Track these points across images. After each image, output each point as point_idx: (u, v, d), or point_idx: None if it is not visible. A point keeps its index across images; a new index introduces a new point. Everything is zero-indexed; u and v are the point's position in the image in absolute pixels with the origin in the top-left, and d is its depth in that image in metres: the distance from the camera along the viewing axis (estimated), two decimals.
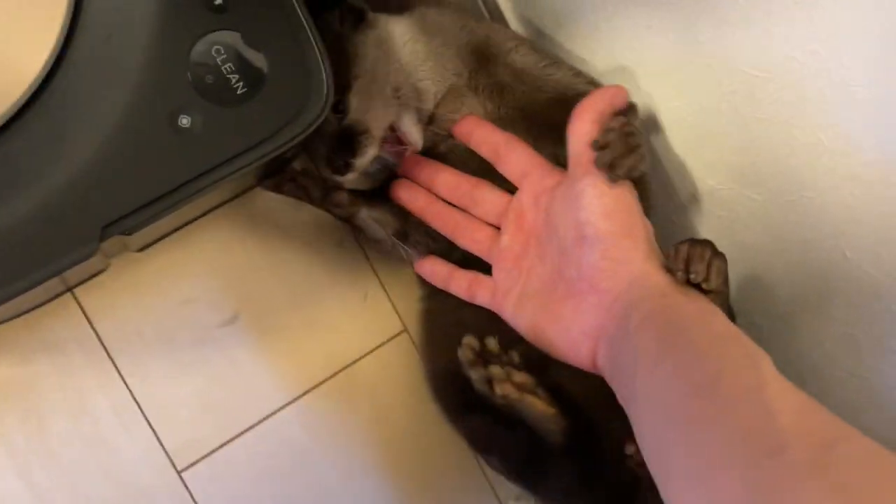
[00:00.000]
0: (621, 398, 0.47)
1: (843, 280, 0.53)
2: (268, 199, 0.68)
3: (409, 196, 0.61)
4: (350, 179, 0.57)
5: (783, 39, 0.47)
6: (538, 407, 0.54)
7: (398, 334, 0.72)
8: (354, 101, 0.56)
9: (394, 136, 0.58)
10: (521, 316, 0.55)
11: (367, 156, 0.56)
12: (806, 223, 0.53)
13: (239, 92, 0.48)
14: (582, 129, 0.51)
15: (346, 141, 0.55)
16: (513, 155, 0.57)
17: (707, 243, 0.51)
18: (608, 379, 0.49)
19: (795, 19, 0.45)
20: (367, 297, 0.71)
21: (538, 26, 0.66)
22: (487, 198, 0.58)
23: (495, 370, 0.54)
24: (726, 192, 0.58)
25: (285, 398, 0.69)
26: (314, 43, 0.48)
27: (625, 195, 0.50)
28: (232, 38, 0.47)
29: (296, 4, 0.48)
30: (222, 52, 0.47)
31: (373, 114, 0.56)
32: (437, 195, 0.61)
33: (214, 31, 0.47)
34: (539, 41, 0.65)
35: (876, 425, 0.47)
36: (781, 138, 0.51)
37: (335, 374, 0.70)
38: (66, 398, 0.64)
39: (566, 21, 0.63)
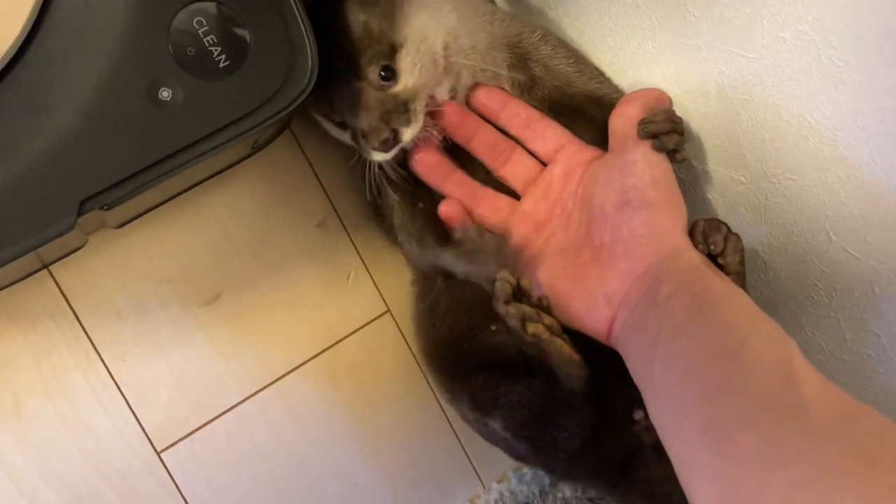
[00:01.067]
0: (635, 367, 0.47)
1: (828, 262, 0.53)
2: (251, 177, 0.67)
3: (430, 165, 0.59)
4: (392, 155, 0.55)
5: (773, 20, 0.46)
6: (565, 350, 0.52)
7: (381, 315, 0.72)
8: (406, 66, 0.53)
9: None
10: (534, 278, 0.56)
11: (419, 126, 0.54)
12: (790, 206, 0.53)
13: (221, 65, 0.47)
14: (630, 112, 0.54)
15: (400, 109, 0.53)
16: (548, 130, 0.58)
17: (722, 222, 0.54)
18: (621, 347, 0.50)
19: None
20: (350, 277, 0.70)
21: (527, 3, 0.65)
22: (522, 161, 0.59)
23: (527, 309, 0.53)
24: (712, 173, 0.58)
25: (267, 378, 0.68)
26: (299, 16, 0.47)
27: (670, 170, 0.53)
28: (214, 9, 0.46)
29: None
30: (204, 23, 0.46)
31: (421, 81, 0.54)
32: (471, 150, 0.59)
33: (197, 1, 0.46)
34: (527, 19, 0.64)
35: None
36: (768, 120, 0.51)
37: (317, 354, 0.70)
38: (41, 377, 0.63)
39: (555, 1, 0.63)
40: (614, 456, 0.58)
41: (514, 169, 0.59)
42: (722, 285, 0.47)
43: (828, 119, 0.47)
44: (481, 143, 0.59)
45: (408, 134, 0.54)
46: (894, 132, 0.44)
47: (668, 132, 0.53)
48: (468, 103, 0.59)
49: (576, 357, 0.53)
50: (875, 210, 0.48)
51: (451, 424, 0.74)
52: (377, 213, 0.65)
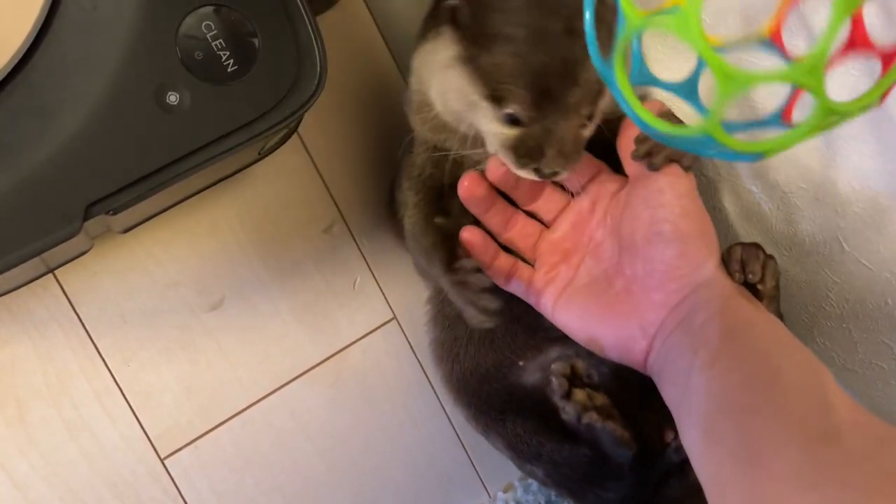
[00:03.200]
0: (670, 394, 0.47)
1: (840, 273, 0.53)
2: (258, 182, 0.67)
3: (477, 197, 0.57)
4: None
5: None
6: (617, 432, 0.55)
7: (387, 322, 0.71)
8: (597, 113, 0.52)
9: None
10: (566, 309, 0.55)
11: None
12: (802, 216, 0.53)
13: (229, 69, 0.46)
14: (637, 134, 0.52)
15: (579, 150, 0.52)
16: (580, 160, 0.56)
17: (758, 246, 0.52)
18: (656, 375, 0.50)
19: None
20: (356, 283, 0.70)
21: None
22: (553, 195, 0.58)
23: (580, 394, 0.55)
24: (724, 182, 0.57)
25: (272, 384, 0.68)
26: (308, 21, 0.47)
27: (698, 197, 0.51)
28: (223, 13, 0.46)
29: None
30: (213, 27, 0.46)
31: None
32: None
33: (205, 5, 0.46)
34: None
35: None
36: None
37: (323, 360, 0.69)
38: (46, 382, 0.62)
39: None
40: (650, 480, 0.58)
41: (546, 203, 0.58)
42: (756, 313, 0.47)
43: (841, 128, 0.46)
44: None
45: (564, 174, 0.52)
46: None
47: (660, 151, 0.50)
48: None
49: (626, 436, 0.54)
50: (889, 221, 0.47)
51: (456, 433, 0.74)
52: (392, 208, 0.64)
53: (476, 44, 0.49)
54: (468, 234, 0.57)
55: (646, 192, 0.51)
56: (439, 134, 0.56)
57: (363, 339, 0.70)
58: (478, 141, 0.54)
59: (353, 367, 0.70)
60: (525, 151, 0.50)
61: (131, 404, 0.64)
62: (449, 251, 0.57)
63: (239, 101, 0.47)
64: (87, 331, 0.63)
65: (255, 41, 0.47)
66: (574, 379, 0.57)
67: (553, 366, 0.57)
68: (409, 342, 0.72)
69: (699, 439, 0.43)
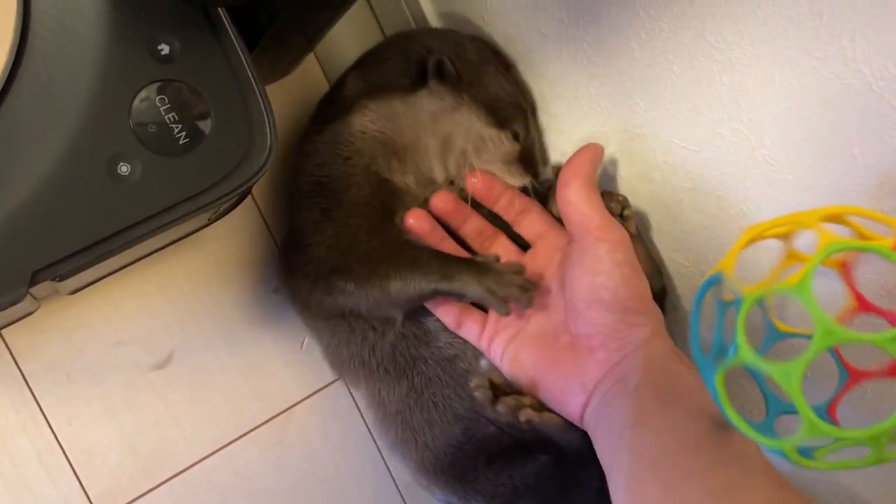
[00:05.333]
0: (602, 451, 0.49)
1: None
2: (209, 243, 0.68)
3: (424, 225, 0.60)
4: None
5: (711, 116, 0.49)
6: (556, 420, 0.55)
7: (333, 382, 0.72)
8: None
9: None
10: (514, 359, 0.57)
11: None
12: None
13: (181, 142, 0.48)
14: (579, 195, 0.53)
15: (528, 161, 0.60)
16: (533, 216, 0.61)
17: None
18: (591, 430, 0.51)
19: (724, 100, 0.47)
20: (304, 344, 0.71)
21: None
22: (504, 247, 0.61)
23: (508, 400, 0.55)
24: (659, 255, 0.60)
25: (217, 443, 0.68)
26: (259, 96, 0.49)
27: (637, 264, 0.53)
28: (177, 87, 0.48)
29: (242, 56, 0.49)
30: (166, 101, 0.47)
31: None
32: (461, 235, 0.62)
33: (159, 80, 0.47)
34: None
35: None
36: (708, 208, 0.53)
37: (269, 420, 0.70)
38: None
39: None
40: None
41: (497, 250, 0.61)
42: (688, 376, 0.49)
43: (762, 211, 0.49)
44: (469, 229, 0.62)
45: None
46: None
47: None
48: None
49: (563, 422, 0.55)
50: None
51: (401, 495, 0.74)
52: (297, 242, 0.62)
53: (470, 86, 0.58)
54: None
55: (585, 259, 0.53)
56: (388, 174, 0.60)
57: (309, 399, 0.71)
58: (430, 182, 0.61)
59: (298, 426, 0.70)
60: (527, 162, 0.59)
61: (72, 463, 0.64)
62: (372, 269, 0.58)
63: (189, 173, 0.48)
64: (30, 389, 0.63)
65: (208, 115, 0.48)
66: (496, 390, 0.57)
67: (471, 384, 0.57)
68: (355, 403, 0.73)
69: (626, 498, 0.45)
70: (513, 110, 0.59)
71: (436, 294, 0.56)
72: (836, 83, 0.41)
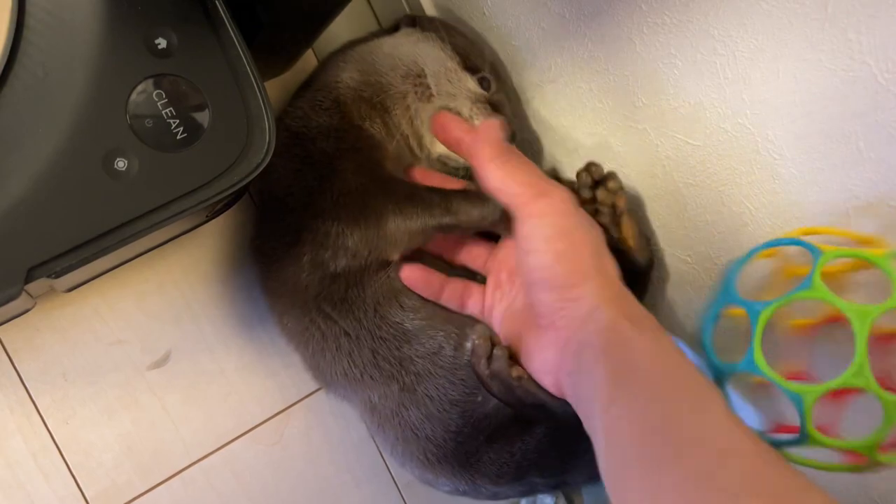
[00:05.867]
0: (587, 428, 0.47)
1: None
2: (207, 240, 0.67)
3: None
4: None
5: (715, 111, 0.49)
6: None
7: None
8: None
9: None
10: (508, 331, 0.56)
11: None
12: None
13: (179, 137, 0.47)
14: (495, 176, 0.51)
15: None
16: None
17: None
18: (575, 408, 0.49)
19: (727, 95, 0.47)
20: None
21: None
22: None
23: (498, 351, 0.54)
24: (660, 252, 0.60)
25: (215, 444, 0.67)
26: (258, 91, 0.48)
27: (569, 232, 0.50)
28: (174, 82, 0.47)
29: (241, 51, 0.48)
30: (164, 96, 0.47)
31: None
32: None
33: (156, 75, 0.47)
34: None
35: None
36: (711, 205, 0.53)
37: (267, 419, 0.69)
38: None
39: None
40: None
41: (471, 251, 0.60)
42: (641, 343, 0.46)
43: (766, 207, 0.49)
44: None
45: None
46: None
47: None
48: None
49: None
50: None
51: (401, 494, 0.74)
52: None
53: (440, 31, 0.62)
54: (407, 273, 0.57)
55: (518, 239, 0.51)
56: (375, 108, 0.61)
57: (307, 399, 0.70)
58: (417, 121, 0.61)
59: (296, 426, 0.70)
60: (497, 112, 0.60)
61: (69, 463, 0.63)
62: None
63: (187, 169, 0.47)
64: (26, 389, 0.62)
65: (206, 110, 0.48)
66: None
67: (472, 336, 0.55)
68: None
69: (610, 486, 0.43)
70: (482, 62, 0.61)
71: (438, 230, 0.55)
72: (841, 76, 0.41)
